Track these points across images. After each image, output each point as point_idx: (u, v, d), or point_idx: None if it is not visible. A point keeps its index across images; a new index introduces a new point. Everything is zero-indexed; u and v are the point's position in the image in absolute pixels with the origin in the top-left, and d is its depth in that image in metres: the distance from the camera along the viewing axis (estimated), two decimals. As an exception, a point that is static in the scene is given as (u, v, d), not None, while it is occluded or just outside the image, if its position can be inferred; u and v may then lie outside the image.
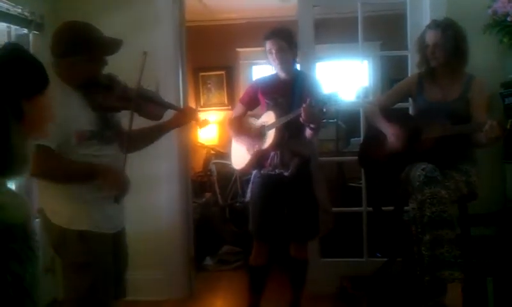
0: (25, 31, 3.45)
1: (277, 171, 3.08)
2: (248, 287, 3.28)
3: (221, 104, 6.80)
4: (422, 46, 2.98)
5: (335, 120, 4.96)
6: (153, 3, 3.76)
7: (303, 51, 3.64)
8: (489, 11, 3.30)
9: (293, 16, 3.93)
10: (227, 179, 5.92)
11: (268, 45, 3.07)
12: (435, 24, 2.95)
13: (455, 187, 2.75)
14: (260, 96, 3.19)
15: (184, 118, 2.55)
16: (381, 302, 3.23)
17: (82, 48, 2.14)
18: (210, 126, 6.28)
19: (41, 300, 1.45)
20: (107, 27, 2.28)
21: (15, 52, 1.45)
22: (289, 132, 3.03)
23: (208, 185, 6.11)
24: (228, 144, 3.46)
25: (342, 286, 3.70)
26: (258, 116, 3.25)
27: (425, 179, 2.67)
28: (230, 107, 6.49)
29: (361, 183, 3.89)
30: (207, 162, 6.33)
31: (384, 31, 5.44)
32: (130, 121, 2.24)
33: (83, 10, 3.41)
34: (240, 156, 3.24)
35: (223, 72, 6.78)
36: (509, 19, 3.21)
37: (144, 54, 2.24)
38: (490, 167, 3.36)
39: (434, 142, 2.82)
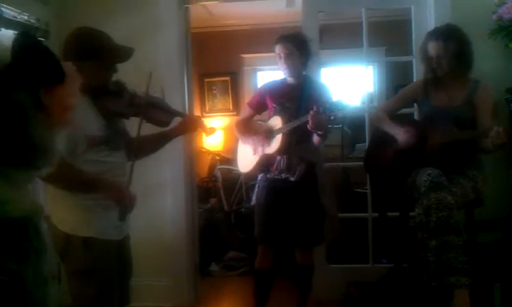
0: (32, 37, 3.46)
1: (283, 175, 3.08)
2: (253, 292, 3.28)
3: (226, 110, 6.81)
4: (426, 57, 2.97)
5: (340, 126, 4.95)
6: (159, 10, 3.77)
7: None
8: (494, 16, 3.30)
9: (298, 22, 3.93)
10: (232, 185, 5.91)
11: (277, 49, 3.09)
12: (436, 35, 2.92)
13: (461, 192, 2.74)
14: (268, 101, 3.20)
15: (190, 126, 2.55)
16: (387, 308, 3.22)
17: (94, 55, 2.15)
18: (216, 132, 6.27)
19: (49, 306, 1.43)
20: (113, 33, 2.28)
21: (31, 41, 1.42)
22: (297, 137, 3.03)
23: (214, 191, 6.10)
24: (233, 149, 3.46)
25: (348, 292, 3.68)
26: (265, 121, 3.26)
27: (431, 184, 2.66)
28: (235, 113, 6.50)
29: (366, 189, 3.88)
30: (212, 167, 6.33)
31: (389, 37, 5.42)
32: (139, 127, 2.26)
33: (89, 17, 3.42)
34: (246, 159, 3.25)
35: (227, 78, 6.79)
36: (514, 24, 3.21)
37: (150, 74, 2.27)
38: (496, 172, 3.34)
39: (441, 147, 2.82)
